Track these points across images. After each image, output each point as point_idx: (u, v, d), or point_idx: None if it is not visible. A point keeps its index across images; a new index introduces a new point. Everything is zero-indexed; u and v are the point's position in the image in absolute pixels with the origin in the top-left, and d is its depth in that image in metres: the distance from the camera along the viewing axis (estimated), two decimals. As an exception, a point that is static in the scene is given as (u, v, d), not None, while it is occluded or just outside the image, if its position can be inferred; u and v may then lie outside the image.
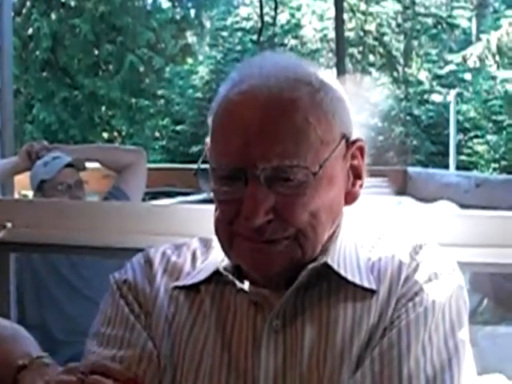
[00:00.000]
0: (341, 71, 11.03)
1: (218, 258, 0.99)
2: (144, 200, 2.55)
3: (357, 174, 0.94)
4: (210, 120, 0.92)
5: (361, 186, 0.96)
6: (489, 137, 12.16)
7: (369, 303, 0.92)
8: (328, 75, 0.95)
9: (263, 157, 0.85)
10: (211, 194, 0.94)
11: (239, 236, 0.89)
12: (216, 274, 0.97)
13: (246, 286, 0.95)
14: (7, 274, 1.53)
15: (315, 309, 0.92)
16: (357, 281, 0.92)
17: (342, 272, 0.91)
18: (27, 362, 1.00)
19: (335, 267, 0.91)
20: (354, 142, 0.92)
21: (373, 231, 1.03)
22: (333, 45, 13.24)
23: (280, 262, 0.89)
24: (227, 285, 0.96)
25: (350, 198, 0.94)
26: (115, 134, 8.00)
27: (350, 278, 0.91)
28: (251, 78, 0.87)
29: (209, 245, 1.07)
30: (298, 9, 14.60)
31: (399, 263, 0.94)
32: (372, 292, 0.91)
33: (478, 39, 12.70)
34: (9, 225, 1.50)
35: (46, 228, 1.51)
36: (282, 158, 0.84)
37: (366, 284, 0.91)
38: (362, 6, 14.67)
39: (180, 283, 1.00)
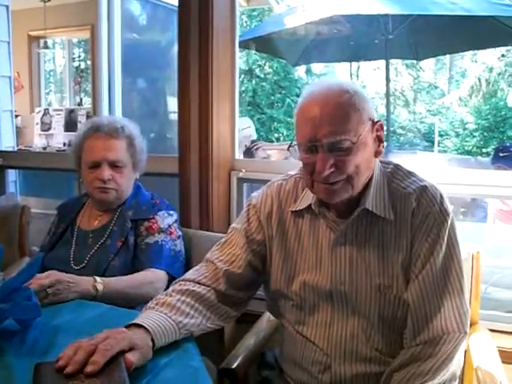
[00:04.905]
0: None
1: (310, 196, 1.45)
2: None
3: (380, 140, 1.38)
4: (295, 115, 1.37)
5: (383, 147, 1.39)
6: None
7: (390, 227, 1.37)
8: (357, 85, 1.38)
9: (324, 135, 1.28)
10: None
11: (316, 182, 1.34)
12: (310, 206, 1.46)
13: (326, 215, 1.43)
14: (241, 196, 2.59)
15: (360, 231, 1.39)
16: (382, 215, 1.37)
17: (375, 210, 1.37)
18: None
19: (370, 209, 1.37)
20: (377, 122, 1.36)
21: (397, 175, 1.44)
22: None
23: (338, 194, 1.34)
24: (316, 213, 1.45)
25: (377, 154, 1.38)
26: (280, 134, 12.94)
27: (379, 213, 1.37)
28: (316, 93, 1.33)
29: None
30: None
31: (407, 199, 1.37)
32: (391, 220, 1.37)
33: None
34: (243, 170, 2.54)
35: (256, 171, 2.53)
36: (335, 135, 1.28)
37: (387, 216, 1.37)
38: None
39: (292, 208, 1.49)
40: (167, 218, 2.03)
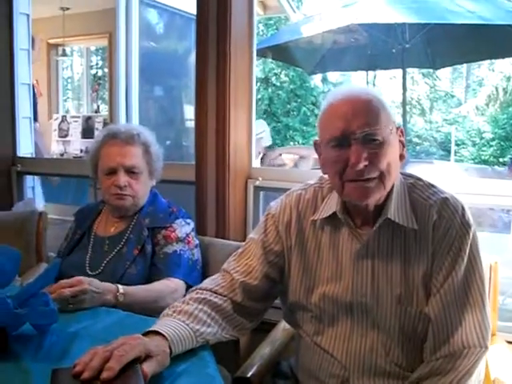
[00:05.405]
0: None
1: (334, 204, 1.44)
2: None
3: (403, 145, 1.40)
4: (319, 120, 1.38)
5: (405, 151, 1.40)
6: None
7: (412, 238, 1.36)
8: (381, 93, 1.41)
9: (358, 127, 1.28)
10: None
11: (347, 181, 1.32)
12: (334, 213, 1.43)
13: (350, 224, 1.41)
14: (258, 204, 2.59)
15: (382, 242, 1.38)
16: (405, 224, 1.36)
17: (397, 220, 1.36)
18: None
19: (392, 218, 1.36)
20: (398, 127, 1.38)
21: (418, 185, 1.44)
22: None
23: (372, 192, 1.32)
24: (339, 222, 1.43)
25: (402, 157, 1.38)
26: (296, 142, 12.89)
27: (401, 223, 1.36)
28: (343, 94, 1.36)
29: (325, 181, 1.52)
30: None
31: (427, 211, 1.37)
32: (413, 231, 1.36)
33: None
34: (260, 179, 2.54)
35: (272, 180, 2.53)
36: (369, 127, 1.28)
37: (410, 225, 1.36)
38: None
39: (314, 217, 1.47)
40: (184, 227, 2.03)
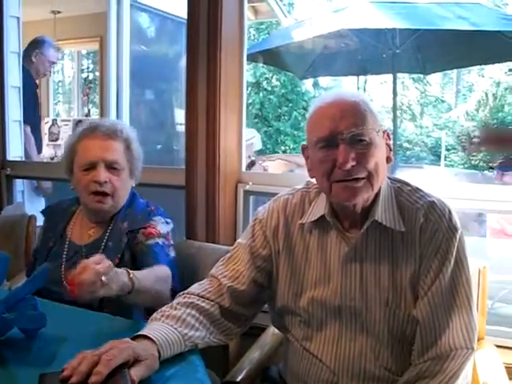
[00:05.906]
0: None
1: (322, 207, 1.45)
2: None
3: (389, 148, 1.41)
4: (307, 123, 1.41)
5: (392, 154, 1.42)
6: None
7: (399, 241, 1.37)
8: (368, 97, 1.61)
9: (346, 127, 1.30)
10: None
11: (335, 182, 1.34)
12: (322, 217, 1.43)
13: (338, 226, 1.42)
14: (248, 209, 2.57)
15: (370, 245, 1.39)
16: (392, 226, 1.37)
17: (384, 222, 1.37)
18: None
19: (380, 220, 1.37)
20: (385, 130, 1.40)
21: (406, 188, 1.45)
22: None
23: (360, 192, 1.33)
24: (327, 225, 1.43)
25: (388, 160, 1.40)
26: (287, 147, 13.06)
27: (388, 225, 1.37)
28: (330, 98, 1.38)
29: (312, 186, 1.53)
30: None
31: (414, 214, 1.38)
32: (401, 233, 1.37)
33: None
34: (250, 183, 2.52)
35: (262, 184, 2.50)
36: (356, 127, 1.30)
37: (397, 228, 1.37)
38: None
39: (301, 221, 1.47)
40: (165, 226, 1.91)
